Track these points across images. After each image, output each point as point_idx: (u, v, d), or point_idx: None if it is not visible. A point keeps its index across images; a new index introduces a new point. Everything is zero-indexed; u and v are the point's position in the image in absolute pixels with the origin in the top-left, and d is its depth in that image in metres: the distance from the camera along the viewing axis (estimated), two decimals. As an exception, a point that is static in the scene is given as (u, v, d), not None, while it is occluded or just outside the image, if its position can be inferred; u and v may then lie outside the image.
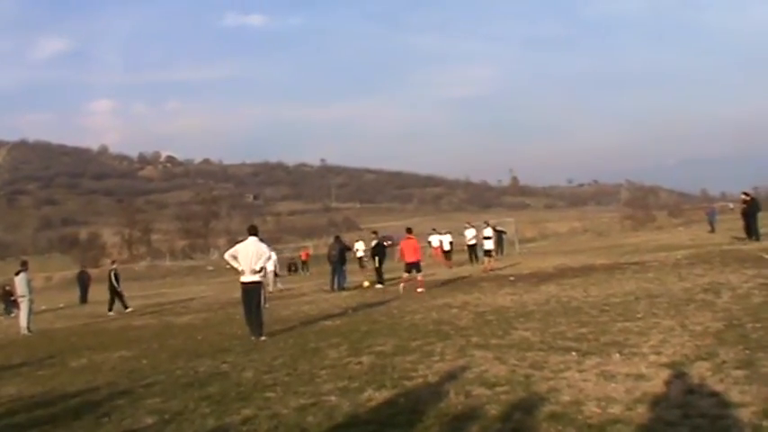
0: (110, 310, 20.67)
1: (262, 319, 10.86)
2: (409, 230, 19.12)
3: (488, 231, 23.07)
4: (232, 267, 11.25)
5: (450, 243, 29.20)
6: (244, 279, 10.77)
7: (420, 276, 17.07)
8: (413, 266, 17.28)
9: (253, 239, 10.84)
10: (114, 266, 22.59)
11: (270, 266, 10.88)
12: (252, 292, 10.77)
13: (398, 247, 17.94)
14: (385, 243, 22.64)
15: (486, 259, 22.48)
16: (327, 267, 21.85)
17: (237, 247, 11.06)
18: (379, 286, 19.40)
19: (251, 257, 10.64)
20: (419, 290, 16.18)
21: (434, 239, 31.46)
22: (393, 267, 22.17)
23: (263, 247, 10.94)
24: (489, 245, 22.72)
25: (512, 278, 17.35)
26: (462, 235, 30.38)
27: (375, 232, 22.20)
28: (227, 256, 11.11)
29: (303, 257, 44.75)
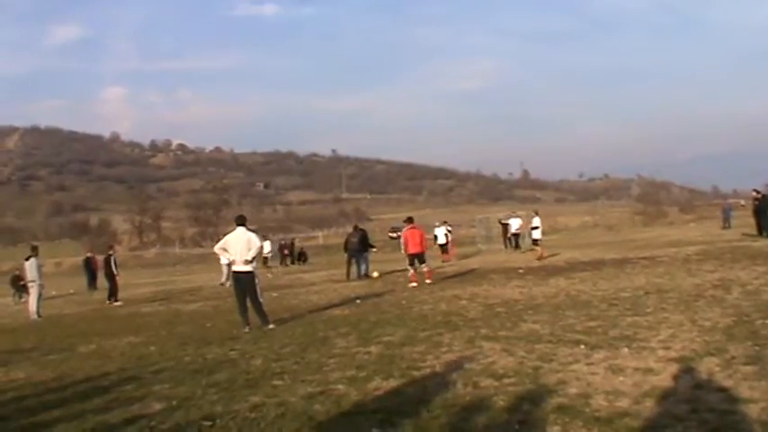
0: (115, 299, 19.75)
1: (262, 307, 10.73)
2: (410, 219, 17.46)
3: (536, 221, 23.29)
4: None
5: (446, 236, 29.04)
6: (236, 269, 10.69)
7: (426, 267, 16.50)
8: (416, 257, 16.32)
9: (242, 230, 10.70)
10: (112, 252, 21.09)
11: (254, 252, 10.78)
12: (245, 282, 10.63)
13: (402, 238, 17.31)
14: (393, 235, 22.61)
15: (536, 248, 22.75)
16: (331, 257, 21.86)
17: (227, 238, 10.95)
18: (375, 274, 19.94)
19: (242, 247, 10.51)
20: (427, 281, 15.98)
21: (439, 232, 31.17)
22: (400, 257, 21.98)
23: (254, 236, 10.80)
24: (537, 234, 23.08)
25: (521, 270, 17.33)
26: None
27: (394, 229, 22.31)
28: (216, 248, 11.09)
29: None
